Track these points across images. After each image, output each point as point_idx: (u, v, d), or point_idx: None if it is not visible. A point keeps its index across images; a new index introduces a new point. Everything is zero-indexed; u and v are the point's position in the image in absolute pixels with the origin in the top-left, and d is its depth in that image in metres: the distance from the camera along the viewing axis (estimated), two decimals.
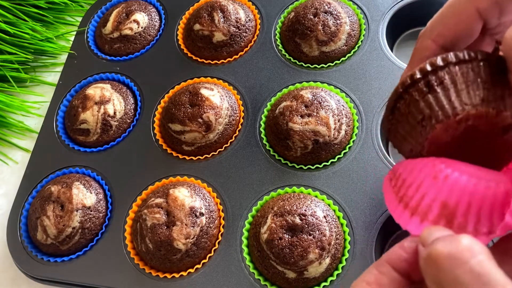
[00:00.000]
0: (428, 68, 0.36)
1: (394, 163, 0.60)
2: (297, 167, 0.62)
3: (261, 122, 0.66)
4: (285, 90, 0.68)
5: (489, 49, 0.42)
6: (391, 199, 0.38)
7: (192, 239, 0.57)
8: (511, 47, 0.33)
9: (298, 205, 0.56)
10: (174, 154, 0.66)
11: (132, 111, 0.71)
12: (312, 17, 0.69)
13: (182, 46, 0.76)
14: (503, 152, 0.37)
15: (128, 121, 0.70)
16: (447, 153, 0.37)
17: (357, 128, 0.63)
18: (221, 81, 0.71)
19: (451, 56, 0.35)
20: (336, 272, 0.55)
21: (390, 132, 0.40)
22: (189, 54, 0.74)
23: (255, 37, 0.74)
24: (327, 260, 0.54)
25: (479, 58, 0.35)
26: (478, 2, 0.37)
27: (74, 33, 0.82)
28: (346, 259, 0.55)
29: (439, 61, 0.35)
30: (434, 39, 0.40)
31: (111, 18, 0.78)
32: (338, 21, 0.69)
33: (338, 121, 0.62)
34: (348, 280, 0.54)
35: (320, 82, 0.67)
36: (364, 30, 0.70)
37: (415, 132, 0.37)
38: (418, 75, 0.36)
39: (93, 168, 0.67)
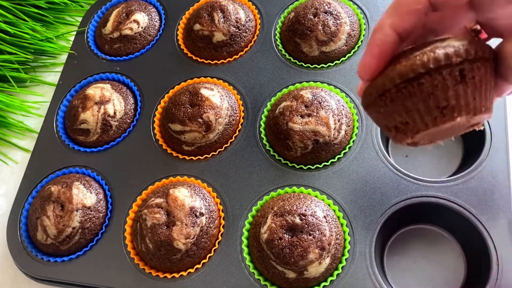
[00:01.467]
0: (463, 55, 0.34)
1: (394, 163, 0.60)
2: (297, 167, 0.62)
3: (261, 122, 0.66)
4: (285, 90, 0.67)
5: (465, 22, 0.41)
6: None
7: (192, 239, 0.57)
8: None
9: (298, 205, 0.56)
10: (174, 154, 0.66)
11: (132, 111, 0.71)
12: (312, 17, 0.69)
13: (182, 46, 0.76)
14: (456, 132, 0.41)
15: (128, 121, 0.70)
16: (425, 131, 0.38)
17: (357, 128, 0.63)
18: (221, 81, 0.70)
19: (477, 49, 0.35)
20: (336, 272, 0.55)
21: (384, 97, 0.37)
22: (189, 54, 0.74)
23: (255, 37, 0.74)
24: (327, 260, 0.54)
25: (492, 56, 0.37)
26: None
27: (74, 33, 0.82)
28: (346, 259, 0.55)
29: (472, 51, 0.35)
30: (395, 27, 0.37)
31: (111, 18, 0.78)
32: (338, 21, 0.69)
33: (338, 121, 0.62)
34: (348, 280, 0.54)
35: (320, 82, 0.67)
36: (364, 30, 0.70)
37: (428, 113, 0.36)
38: (456, 59, 0.34)
39: (93, 168, 0.67)
